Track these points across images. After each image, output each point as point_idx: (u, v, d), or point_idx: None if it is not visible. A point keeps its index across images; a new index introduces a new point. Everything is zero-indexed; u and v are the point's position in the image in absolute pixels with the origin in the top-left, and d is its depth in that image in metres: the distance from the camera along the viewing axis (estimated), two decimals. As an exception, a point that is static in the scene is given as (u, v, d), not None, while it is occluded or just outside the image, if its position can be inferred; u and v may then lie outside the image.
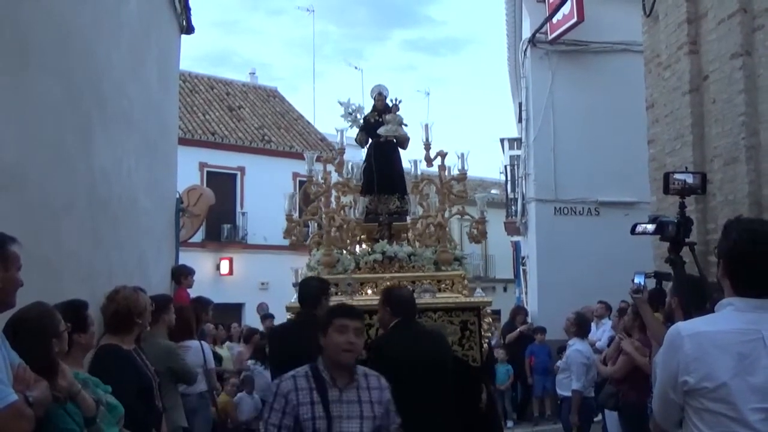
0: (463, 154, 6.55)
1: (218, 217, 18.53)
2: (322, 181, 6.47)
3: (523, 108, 14.21)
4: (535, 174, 13.51)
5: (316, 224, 6.76)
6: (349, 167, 6.67)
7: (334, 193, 6.66)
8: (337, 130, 6.83)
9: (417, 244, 6.53)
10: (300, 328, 4.78)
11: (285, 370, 3.39)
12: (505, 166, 17.94)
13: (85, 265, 4.81)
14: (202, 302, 6.89)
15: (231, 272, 21.06)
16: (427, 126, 6.76)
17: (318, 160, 6.98)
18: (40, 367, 2.68)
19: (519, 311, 12.75)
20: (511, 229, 16.81)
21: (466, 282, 6.04)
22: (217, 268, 20.90)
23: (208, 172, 20.87)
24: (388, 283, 5.77)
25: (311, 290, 4.97)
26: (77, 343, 3.30)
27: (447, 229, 6.40)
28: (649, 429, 4.98)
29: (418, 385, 4.02)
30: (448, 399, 4.25)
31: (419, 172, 6.73)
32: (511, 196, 16.90)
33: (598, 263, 11.98)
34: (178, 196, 9.15)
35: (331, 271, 5.98)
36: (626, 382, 5.76)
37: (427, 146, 6.74)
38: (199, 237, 16.36)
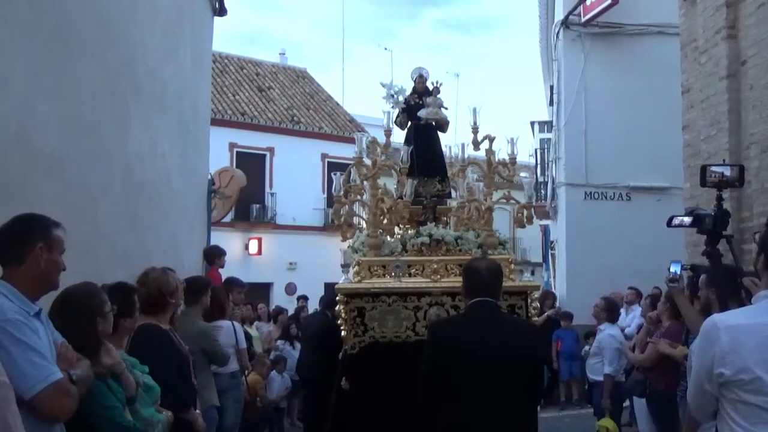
0: (512, 139, 6.46)
1: (247, 197, 18.66)
2: (370, 162, 6.41)
3: (555, 91, 14.05)
4: (565, 158, 13.39)
5: (347, 206, 6.70)
6: (391, 149, 6.65)
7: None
8: (384, 112, 6.80)
9: (454, 226, 6.49)
10: None
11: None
12: (535, 150, 17.82)
13: (120, 247, 4.91)
14: (233, 283, 6.98)
15: (260, 252, 21.23)
16: (474, 110, 6.68)
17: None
18: (84, 344, 2.75)
19: (547, 295, 12.71)
20: (541, 212, 16.70)
21: (512, 266, 5.98)
22: (246, 248, 21.08)
23: (237, 152, 21.02)
24: (434, 266, 5.74)
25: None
26: (122, 327, 3.35)
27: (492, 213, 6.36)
28: (678, 417, 5.00)
29: (476, 383, 3.32)
30: (514, 406, 3.39)
31: (466, 156, 6.72)
32: (540, 179, 16.79)
33: (628, 249, 11.89)
34: (210, 177, 9.25)
35: (378, 254, 5.97)
36: (655, 371, 5.73)
37: (475, 129, 6.66)
38: (228, 217, 16.50)
